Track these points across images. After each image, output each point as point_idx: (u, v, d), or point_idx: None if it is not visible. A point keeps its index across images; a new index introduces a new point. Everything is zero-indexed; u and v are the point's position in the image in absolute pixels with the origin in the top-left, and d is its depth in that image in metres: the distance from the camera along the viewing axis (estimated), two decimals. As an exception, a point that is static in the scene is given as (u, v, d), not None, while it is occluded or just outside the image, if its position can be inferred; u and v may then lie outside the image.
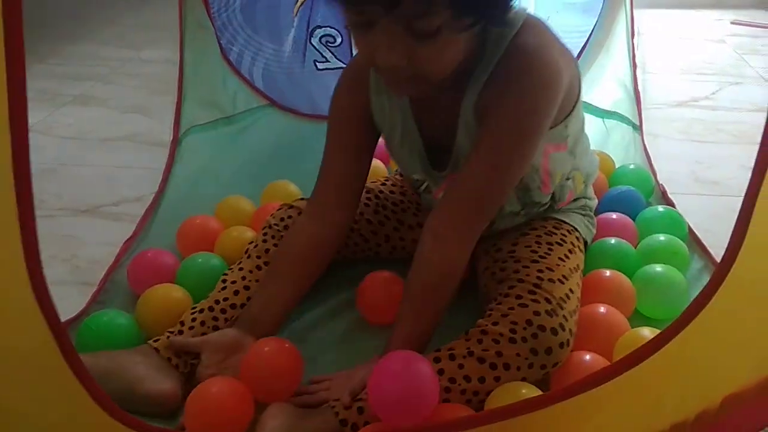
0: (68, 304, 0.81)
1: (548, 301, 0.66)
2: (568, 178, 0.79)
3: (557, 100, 0.65)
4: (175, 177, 1.11)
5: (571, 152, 0.75)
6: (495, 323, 0.65)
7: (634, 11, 1.28)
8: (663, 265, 0.81)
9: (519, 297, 0.67)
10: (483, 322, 0.66)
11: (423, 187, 0.84)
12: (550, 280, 0.68)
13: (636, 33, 1.31)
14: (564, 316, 0.66)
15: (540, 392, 0.63)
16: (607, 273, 0.80)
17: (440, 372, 0.63)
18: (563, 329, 0.65)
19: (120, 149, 1.32)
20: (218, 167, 1.15)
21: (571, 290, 0.70)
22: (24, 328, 0.47)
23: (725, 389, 0.58)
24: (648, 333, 0.70)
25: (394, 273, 0.81)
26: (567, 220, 0.81)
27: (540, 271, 0.70)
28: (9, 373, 0.48)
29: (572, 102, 0.72)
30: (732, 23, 2.15)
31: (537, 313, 0.64)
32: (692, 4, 2.31)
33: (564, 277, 0.70)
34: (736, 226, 0.52)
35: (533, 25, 0.66)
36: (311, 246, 0.76)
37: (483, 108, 0.66)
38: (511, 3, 0.60)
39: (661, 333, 0.55)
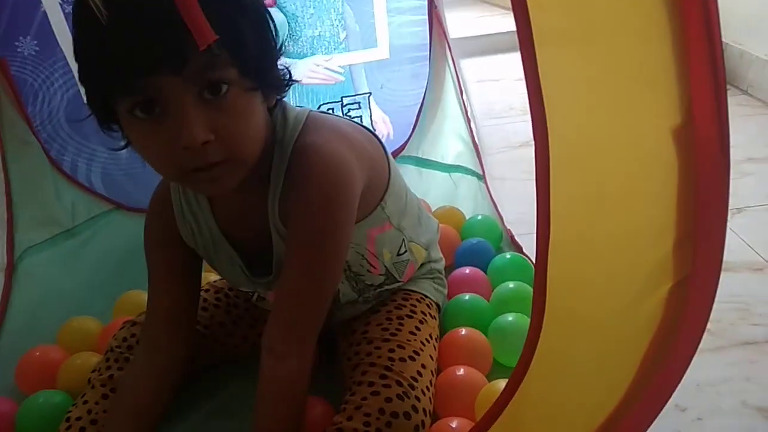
0: None
1: (399, 383, 0.66)
2: (402, 253, 0.80)
3: (352, 193, 0.65)
4: (14, 306, 1.02)
5: (398, 228, 0.77)
6: (349, 418, 0.64)
7: (465, 60, 1.36)
8: (513, 313, 0.84)
9: (371, 384, 0.66)
10: (338, 418, 0.65)
11: (254, 297, 0.83)
12: (401, 359, 0.69)
13: (467, 83, 1.38)
14: (416, 397, 0.66)
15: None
16: (462, 332, 0.81)
17: None
18: (416, 411, 0.65)
19: (-47, 282, 1.20)
20: (63, 287, 1.07)
21: (423, 365, 0.70)
22: None
23: (580, 427, 0.59)
24: (503, 384, 0.71)
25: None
26: (415, 289, 0.82)
27: (391, 350, 0.70)
28: None
29: (381, 185, 0.73)
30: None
31: (389, 400, 0.64)
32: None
33: (415, 352, 0.71)
34: (536, 264, 0.53)
35: (315, 122, 0.67)
36: (151, 381, 0.74)
37: (285, 216, 0.66)
38: (280, 67, 0.62)
39: (507, 384, 0.56)
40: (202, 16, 0.47)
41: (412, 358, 0.70)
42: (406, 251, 0.80)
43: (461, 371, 0.75)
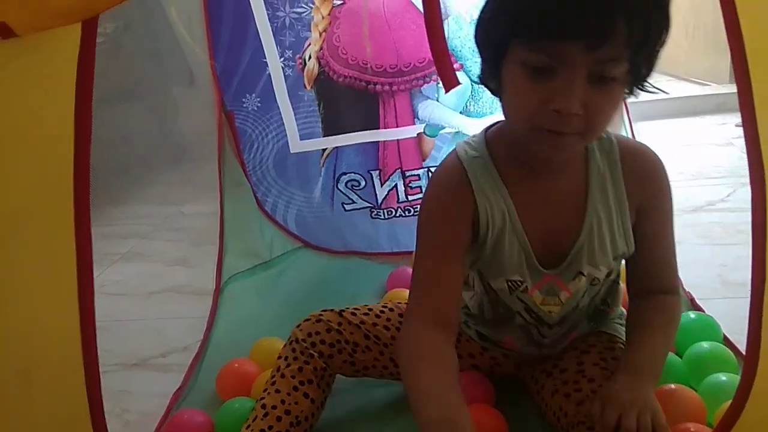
0: (123, 460, 0.84)
1: None
2: (618, 282, 0.84)
3: None
4: (219, 324, 1.17)
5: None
6: None
7: (635, 125, 1.37)
8: (725, 373, 0.82)
9: None
10: None
11: (521, 288, 0.76)
12: None
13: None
14: None
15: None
16: (672, 386, 0.79)
17: None
18: None
19: (166, 301, 1.39)
20: (259, 310, 1.21)
21: None
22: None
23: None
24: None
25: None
26: (616, 334, 0.83)
27: None
28: None
29: None
30: (737, 126, 2.23)
31: None
32: (694, 111, 2.42)
33: None
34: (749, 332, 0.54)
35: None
36: (448, 361, 0.68)
37: (636, 200, 0.73)
38: None
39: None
40: (450, 62, 0.54)
41: None
42: (619, 283, 0.83)
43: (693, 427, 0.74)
